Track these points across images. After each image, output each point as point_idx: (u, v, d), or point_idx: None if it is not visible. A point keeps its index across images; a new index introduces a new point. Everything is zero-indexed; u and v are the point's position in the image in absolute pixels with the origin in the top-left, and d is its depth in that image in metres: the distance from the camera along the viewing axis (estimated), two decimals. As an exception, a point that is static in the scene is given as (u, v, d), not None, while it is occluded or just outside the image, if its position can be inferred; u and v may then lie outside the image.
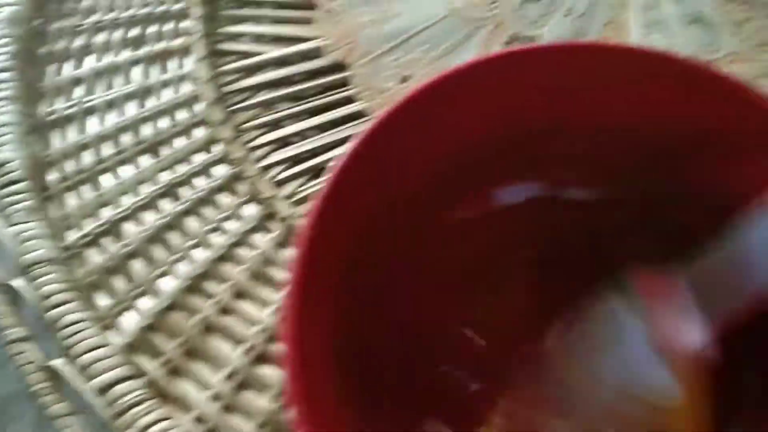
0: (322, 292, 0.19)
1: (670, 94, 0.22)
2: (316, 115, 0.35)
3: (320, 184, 0.33)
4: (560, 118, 0.23)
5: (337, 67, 0.36)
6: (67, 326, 0.28)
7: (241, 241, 0.31)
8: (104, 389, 0.26)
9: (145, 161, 0.34)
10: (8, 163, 0.32)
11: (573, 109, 0.23)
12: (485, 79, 0.22)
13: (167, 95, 0.36)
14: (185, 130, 0.35)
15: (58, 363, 0.27)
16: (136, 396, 0.26)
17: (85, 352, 0.27)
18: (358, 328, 0.21)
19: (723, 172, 0.22)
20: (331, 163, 0.19)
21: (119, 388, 0.26)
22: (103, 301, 0.30)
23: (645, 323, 0.20)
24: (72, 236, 0.31)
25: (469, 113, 0.22)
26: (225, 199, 0.33)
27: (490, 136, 0.23)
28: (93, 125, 0.35)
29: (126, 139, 0.35)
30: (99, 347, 0.27)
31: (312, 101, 0.35)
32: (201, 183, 0.33)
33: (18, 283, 0.29)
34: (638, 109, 0.23)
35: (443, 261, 0.24)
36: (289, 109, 0.35)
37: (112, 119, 0.35)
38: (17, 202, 0.31)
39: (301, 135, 0.34)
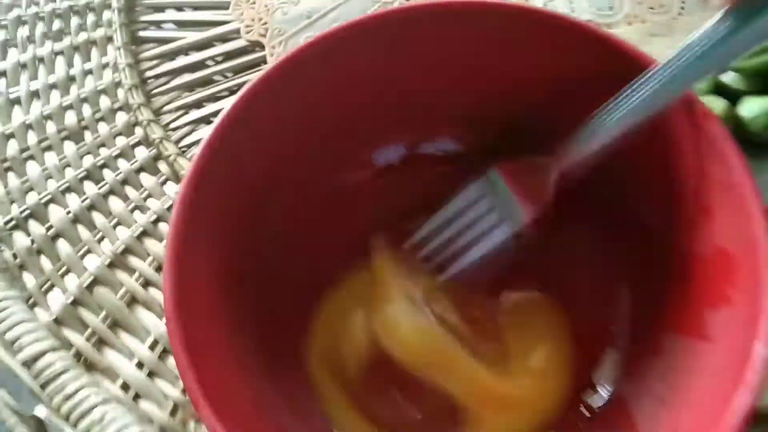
0: (201, 240, 0.20)
1: (543, 49, 0.24)
2: (234, 94, 0.36)
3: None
4: (436, 78, 0.24)
5: (255, 46, 0.37)
6: (-7, 305, 0.29)
7: (162, 217, 0.33)
8: (31, 361, 0.28)
9: (69, 147, 0.35)
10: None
11: (448, 70, 0.24)
12: (362, 40, 0.23)
13: (90, 83, 0.37)
14: (107, 116, 0.36)
15: (-16, 339, 0.28)
16: (63, 366, 0.28)
17: (12, 327, 0.28)
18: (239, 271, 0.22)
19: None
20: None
21: (45, 359, 0.28)
22: (30, 281, 0.31)
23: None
24: (-1, 221, 0.32)
25: (345, 75, 0.24)
26: (147, 179, 0.34)
27: (367, 99, 0.24)
28: (18, 115, 0.36)
29: (50, 126, 0.36)
30: (25, 321, 0.29)
31: (230, 81, 0.36)
32: (123, 165, 0.34)
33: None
34: (516, 68, 0.25)
35: (327, 219, 0.25)
36: (207, 89, 0.36)
37: (36, 108, 0.36)
38: (-59, 192, 0.32)
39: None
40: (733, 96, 0.29)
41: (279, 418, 0.21)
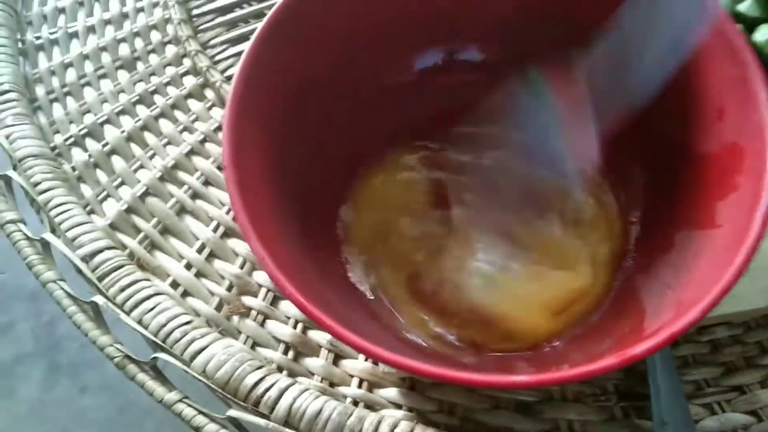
0: (253, 121, 0.22)
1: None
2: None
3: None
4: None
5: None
6: (56, 207, 0.31)
7: (209, 138, 0.35)
8: (89, 257, 0.30)
9: (123, 75, 0.37)
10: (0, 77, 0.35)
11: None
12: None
13: (142, 19, 0.40)
14: (158, 48, 0.38)
15: (48, 236, 0.30)
16: (117, 262, 0.30)
17: (72, 228, 0.31)
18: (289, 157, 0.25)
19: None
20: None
21: (102, 256, 0.30)
22: (87, 191, 0.33)
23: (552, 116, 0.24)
24: (58, 138, 0.35)
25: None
26: (194, 104, 0.36)
27: (400, 10, 0.26)
28: (75, 47, 0.39)
29: (105, 57, 0.38)
30: (84, 224, 0.31)
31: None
32: (172, 91, 0.37)
33: (11, 173, 0.32)
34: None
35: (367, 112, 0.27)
36: (250, 26, 0.39)
37: (92, 41, 0.39)
38: (9, 109, 0.34)
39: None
40: (750, 24, 0.30)
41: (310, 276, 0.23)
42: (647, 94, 0.23)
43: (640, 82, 0.23)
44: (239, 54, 0.37)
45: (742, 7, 0.31)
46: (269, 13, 0.24)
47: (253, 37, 0.24)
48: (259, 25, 0.24)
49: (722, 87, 0.24)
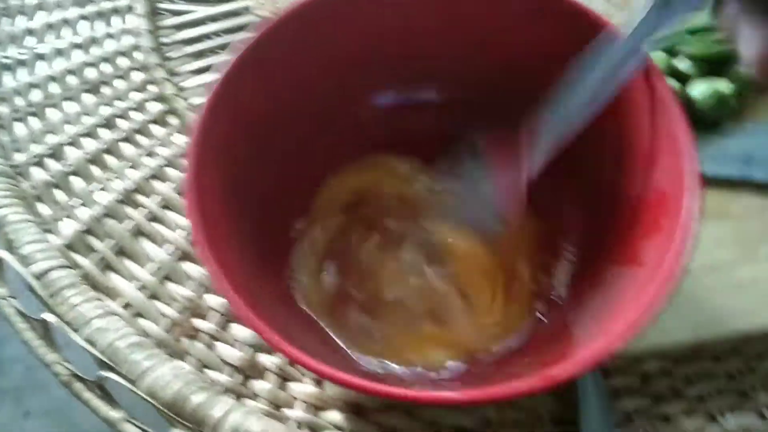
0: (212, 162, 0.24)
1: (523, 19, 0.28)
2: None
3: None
4: (422, 36, 0.28)
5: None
6: (11, 223, 0.32)
7: (171, 163, 0.36)
8: (41, 274, 0.30)
9: (88, 98, 0.38)
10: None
11: (428, 24, 0.28)
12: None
13: (110, 45, 0.40)
14: (125, 74, 0.39)
15: (2, 252, 0.31)
16: (69, 280, 0.30)
17: (26, 244, 0.31)
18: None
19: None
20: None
21: (55, 273, 0.30)
22: (45, 210, 0.34)
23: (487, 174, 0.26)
24: (19, 157, 0.35)
25: (338, 30, 0.27)
26: (158, 129, 0.37)
27: (362, 49, 0.28)
28: (42, 68, 0.39)
29: (72, 80, 0.39)
30: (39, 242, 0.31)
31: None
32: (137, 116, 0.37)
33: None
34: (494, 32, 0.29)
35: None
36: (217, 56, 0.40)
37: (60, 64, 0.40)
38: (-31, 126, 0.35)
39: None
40: (684, 79, 0.33)
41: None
42: (574, 127, 0.25)
43: (568, 116, 0.25)
44: (204, 84, 0.39)
45: (678, 64, 0.34)
46: (236, 53, 0.25)
47: (219, 74, 0.25)
48: (225, 62, 0.25)
49: (653, 137, 0.26)
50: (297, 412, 0.28)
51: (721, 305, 0.29)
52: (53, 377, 0.87)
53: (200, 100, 0.38)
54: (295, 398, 0.29)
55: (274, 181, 0.28)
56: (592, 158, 0.29)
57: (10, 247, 0.31)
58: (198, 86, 0.39)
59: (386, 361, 0.27)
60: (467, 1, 0.27)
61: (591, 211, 0.29)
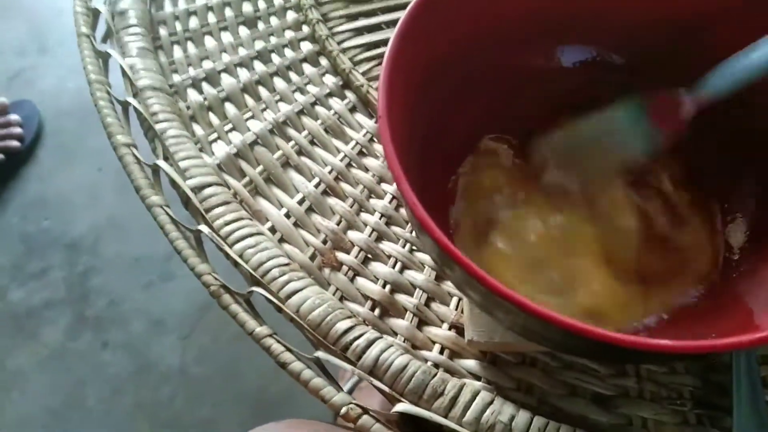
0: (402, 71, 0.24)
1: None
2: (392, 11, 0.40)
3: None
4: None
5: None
6: (171, 137, 0.33)
7: (319, 102, 0.36)
8: (198, 189, 0.31)
9: (243, 31, 0.39)
10: (128, 11, 0.37)
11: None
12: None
13: (266, -17, 0.41)
14: (279, 12, 0.40)
15: (161, 162, 0.32)
16: (223, 198, 0.31)
17: (185, 159, 0.32)
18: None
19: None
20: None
21: (211, 190, 0.31)
22: (199, 131, 0.35)
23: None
24: (176, 78, 0.36)
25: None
26: (309, 68, 0.38)
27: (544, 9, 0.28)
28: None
29: (228, 12, 0.40)
30: (196, 158, 0.32)
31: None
32: (289, 53, 0.38)
33: (131, 99, 0.34)
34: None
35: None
36: (368, 5, 0.40)
37: (216, -4, 0.41)
38: (134, 42, 0.36)
39: (378, 26, 0.39)
40: None
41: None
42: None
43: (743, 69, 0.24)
44: (355, 29, 0.39)
45: None
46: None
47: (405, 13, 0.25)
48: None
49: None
50: (434, 354, 0.29)
51: None
52: (133, 312, 0.91)
53: (351, 44, 0.39)
54: (432, 341, 0.29)
55: (443, 121, 0.28)
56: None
57: (169, 160, 0.32)
58: (349, 31, 0.39)
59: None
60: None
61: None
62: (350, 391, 0.27)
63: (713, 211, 0.29)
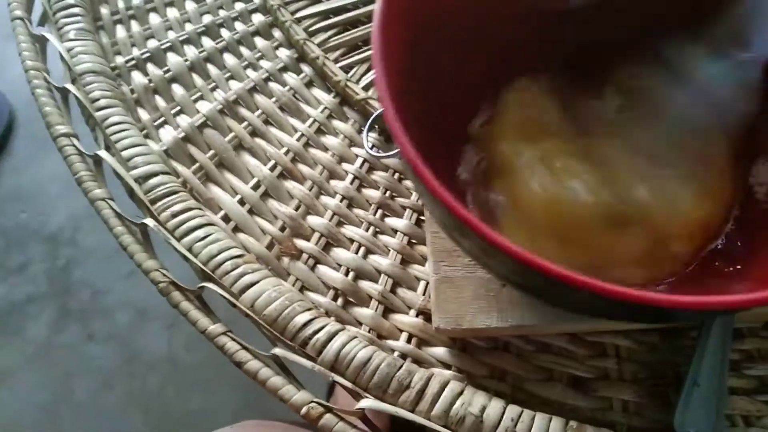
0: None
1: None
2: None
3: (349, 35, 0.35)
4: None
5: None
6: (113, 125, 0.30)
7: (273, 77, 0.34)
8: (143, 179, 0.29)
9: (190, 4, 0.36)
10: (65, -10, 0.34)
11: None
12: None
13: (213, -47, 0.38)
14: (228, -18, 0.37)
15: (103, 153, 0.29)
16: (171, 187, 0.29)
17: (128, 148, 0.30)
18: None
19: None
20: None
21: (157, 179, 0.29)
22: (144, 115, 0.32)
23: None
24: (119, 60, 0.34)
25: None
26: (261, 41, 0.35)
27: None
28: (143, -27, 0.38)
29: (173, -15, 0.37)
30: (140, 146, 0.30)
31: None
32: (240, 27, 0.36)
33: (70, 86, 0.31)
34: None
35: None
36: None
37: (160, -31, 0.38)
38: (72, 24, 0.33)
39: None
40: None
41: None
42: None
43: None
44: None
45: None
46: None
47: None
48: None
49: None
50: (401, 344, 0.27)
51: None
52: (118, 304, 0.89)
53: (305, 13, 0.36)
54: (400, 330, 0.27)
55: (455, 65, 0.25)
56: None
57: (111, 149, 0.30)
58: (305, 2, 0.37)
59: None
60: None
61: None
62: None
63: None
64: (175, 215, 0.28)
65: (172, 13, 0.36)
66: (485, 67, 0.26)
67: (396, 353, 0.26)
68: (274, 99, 0.33)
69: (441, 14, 0.23)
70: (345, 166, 0.32)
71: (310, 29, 0.36)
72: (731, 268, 0.23)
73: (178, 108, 0.33)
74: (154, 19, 0.36)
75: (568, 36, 0.26)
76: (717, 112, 0.24)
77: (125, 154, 0.30)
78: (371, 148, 0.31)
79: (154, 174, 0.29)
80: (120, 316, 0.86)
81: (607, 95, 0.26)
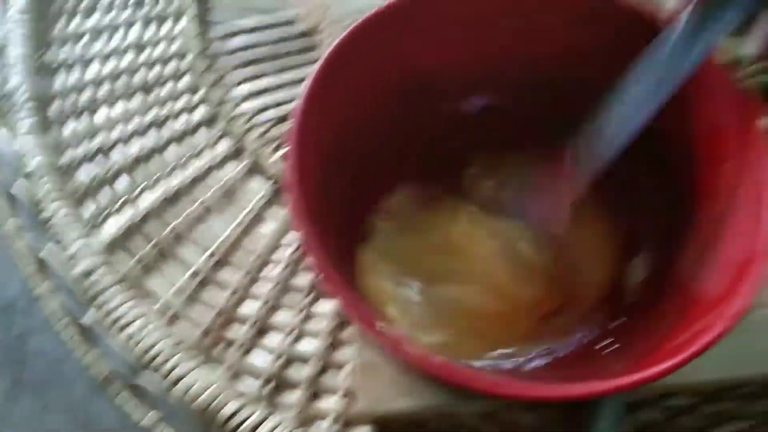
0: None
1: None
2: (284, 71, 0.40)
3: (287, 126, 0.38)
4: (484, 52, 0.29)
5: (310, 32, 0.41)
6: (57, 223, 0.32)
7: (214, 167, 0.36)
8: (85, 274, 0.31)
9: (136, 100, 0.39)
10: (18, 88, 0.37)
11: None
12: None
13: (159, 50, 0.41)
14: (173, 77, 0.40)
15: (46, 252, 0.31)
16: (110, 282, 0.31)
17: (72, 242, 0.32)
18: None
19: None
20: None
21: (97, 274, 0.31)
22: (89, 209, 0.34)
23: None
24: (67, 155, 0.36)
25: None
26: (203, 133, 0.38)
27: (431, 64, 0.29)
28: (92, 71, 0.40)
29: (120, 83, 0.39)
30: (82, 238, 0.32)
31: (283, 58, 0.40)
32: (184, 118, 0.38)
33: (16, 188, 0.33)
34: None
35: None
36: (264, 64, 0.40)
37: (109, 67, 0.40)
38: (23, 119, 0.35)
39: (273, 88, 0.40)
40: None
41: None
42: (623, 138, 0.25)
43: (618, 123, 0.25)
44: (250, 92, 0.39)
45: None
46: (323, 57, 0.26)
47: (314, 71, 0.26)
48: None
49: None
50: (326, 426, 0.28)
51: (760, 343, 0.29)
52: (75, 373, 0.88)
53: (244, 106, 0.39)
54: (326, 413, 0.29)
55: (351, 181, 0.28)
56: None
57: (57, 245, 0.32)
58: (243, 93, 0.39)
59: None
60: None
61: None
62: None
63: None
64: (111, 311, 0.30)
65: (120, 107, 0.38)
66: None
67: (322, 434, 0.28)
68: (214, 189, 0.35)
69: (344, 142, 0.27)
70: (280, 253, 0.34)
71: (251, 121, 0.38)
72: (609, 349, 0.26)
73: (123, 201, 0.34)
74: (101, 114, 0.38)
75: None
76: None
77: (68, 251, 0.31)
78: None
79: (96, 268, 0.31)
80: (77, 386, 0.85)
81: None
